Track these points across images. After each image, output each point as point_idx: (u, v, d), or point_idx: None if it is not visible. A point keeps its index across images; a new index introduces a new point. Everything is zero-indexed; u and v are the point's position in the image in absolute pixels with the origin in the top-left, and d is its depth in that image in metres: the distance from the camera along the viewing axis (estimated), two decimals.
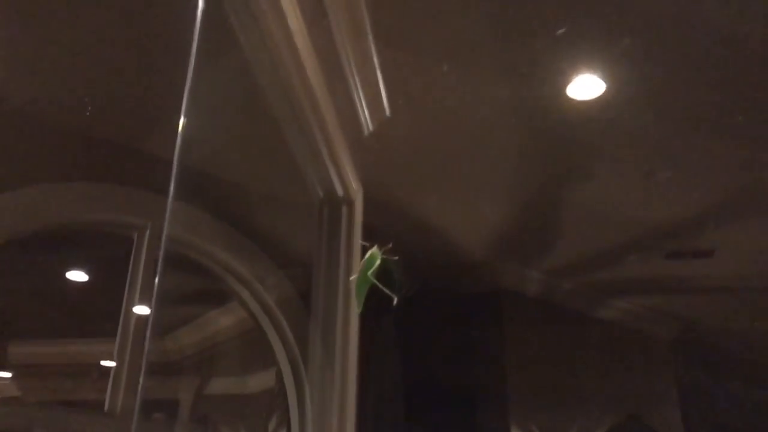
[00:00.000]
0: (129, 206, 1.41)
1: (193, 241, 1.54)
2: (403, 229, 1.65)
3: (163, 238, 1.05)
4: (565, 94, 1.28)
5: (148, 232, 1.40)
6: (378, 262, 0.82)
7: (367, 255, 0.84)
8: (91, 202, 1.34)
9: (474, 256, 1.88)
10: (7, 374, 2.39)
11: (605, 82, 1.24)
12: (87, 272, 1.86)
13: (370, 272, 0.82)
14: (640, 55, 1.19)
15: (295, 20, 1.10)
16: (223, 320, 2.22)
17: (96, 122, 1.30)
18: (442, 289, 1.90)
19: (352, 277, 0.91)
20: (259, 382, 2.19)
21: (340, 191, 1.21)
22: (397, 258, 0.81)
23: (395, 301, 0.74)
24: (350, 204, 1.21)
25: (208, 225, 1.55)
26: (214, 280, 1.70)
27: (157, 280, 0.73)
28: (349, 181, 1.22)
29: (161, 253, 0.82)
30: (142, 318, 1.38)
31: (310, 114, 1.16)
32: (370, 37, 1.20)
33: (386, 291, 0.76)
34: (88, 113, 1.29)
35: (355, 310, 1.13)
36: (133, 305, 1.39)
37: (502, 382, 1.96)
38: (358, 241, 1.18)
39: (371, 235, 0.90)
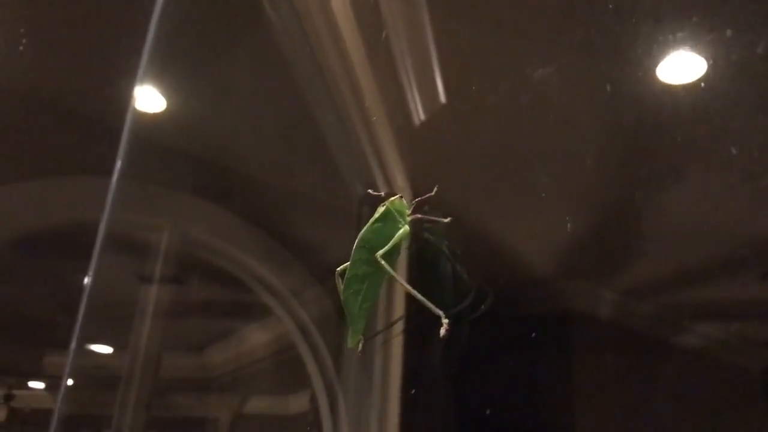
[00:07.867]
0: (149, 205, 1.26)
1: (220, 247, 1.37)
2: (454, 236, 1.45)
3: (101, 228, 0.89)
4: (654, 76, 1.07)
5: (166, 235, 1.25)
6: (401, 232, 0.47)
7: (376, 215, 0.49)
8: (98, 200, 1.19)
9: (538, 271, 1.67)
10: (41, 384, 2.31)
11: (707, 60, 1.02)
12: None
13: (381, 255, 0.45)
14: (759, 24, 0.96)
15: None
16: (259, 336, 2.08)
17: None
18: (500, 309, 1.69)
19: (339, 269, 0.57)
20: (298, 403, 2.05)
21: (382, 188, 1.02)
22: (449, 220, 0.47)
23: (444, 327, 0.41)
24: None
25: (239, 229, 1.39)
26: (247, 292, 1.54)
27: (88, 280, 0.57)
28: (394, 177, 1.03)
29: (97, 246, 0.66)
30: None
31: (350, 96, 0.98)
32: (425, 6, 1.01)
33: (427, 304, 0.43)
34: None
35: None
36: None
37: (569, 419, 1.74)
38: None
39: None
